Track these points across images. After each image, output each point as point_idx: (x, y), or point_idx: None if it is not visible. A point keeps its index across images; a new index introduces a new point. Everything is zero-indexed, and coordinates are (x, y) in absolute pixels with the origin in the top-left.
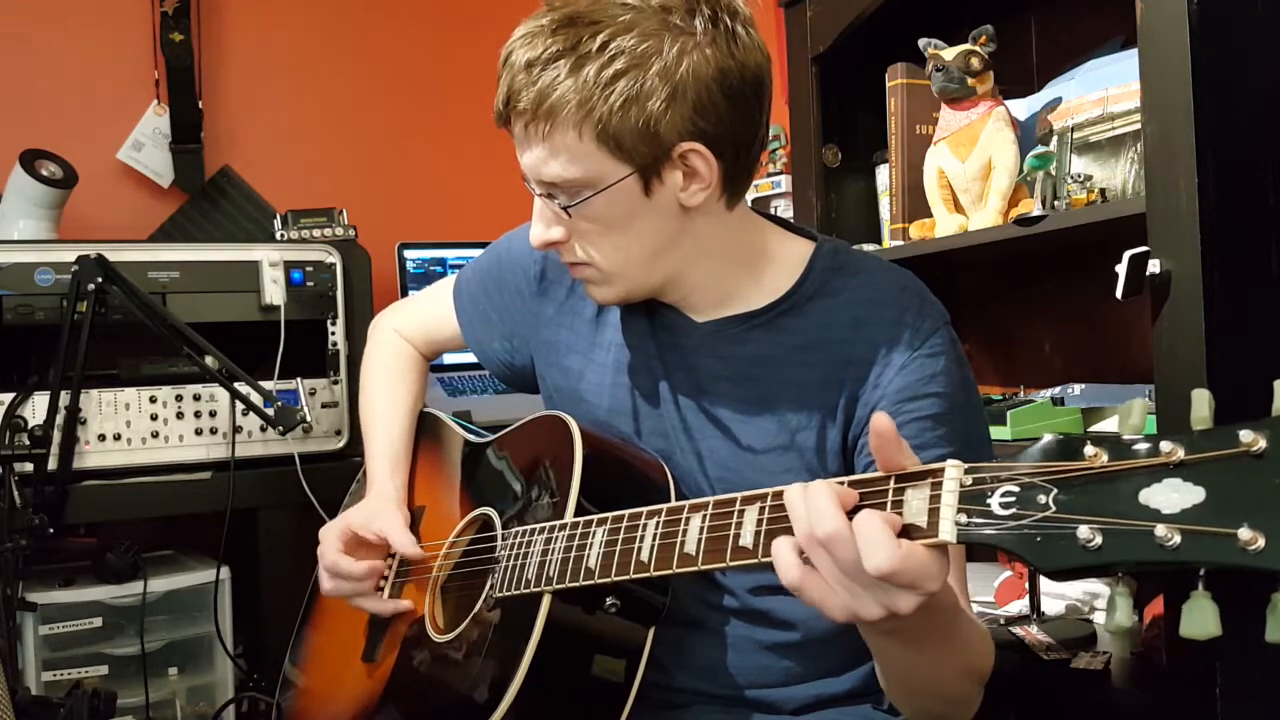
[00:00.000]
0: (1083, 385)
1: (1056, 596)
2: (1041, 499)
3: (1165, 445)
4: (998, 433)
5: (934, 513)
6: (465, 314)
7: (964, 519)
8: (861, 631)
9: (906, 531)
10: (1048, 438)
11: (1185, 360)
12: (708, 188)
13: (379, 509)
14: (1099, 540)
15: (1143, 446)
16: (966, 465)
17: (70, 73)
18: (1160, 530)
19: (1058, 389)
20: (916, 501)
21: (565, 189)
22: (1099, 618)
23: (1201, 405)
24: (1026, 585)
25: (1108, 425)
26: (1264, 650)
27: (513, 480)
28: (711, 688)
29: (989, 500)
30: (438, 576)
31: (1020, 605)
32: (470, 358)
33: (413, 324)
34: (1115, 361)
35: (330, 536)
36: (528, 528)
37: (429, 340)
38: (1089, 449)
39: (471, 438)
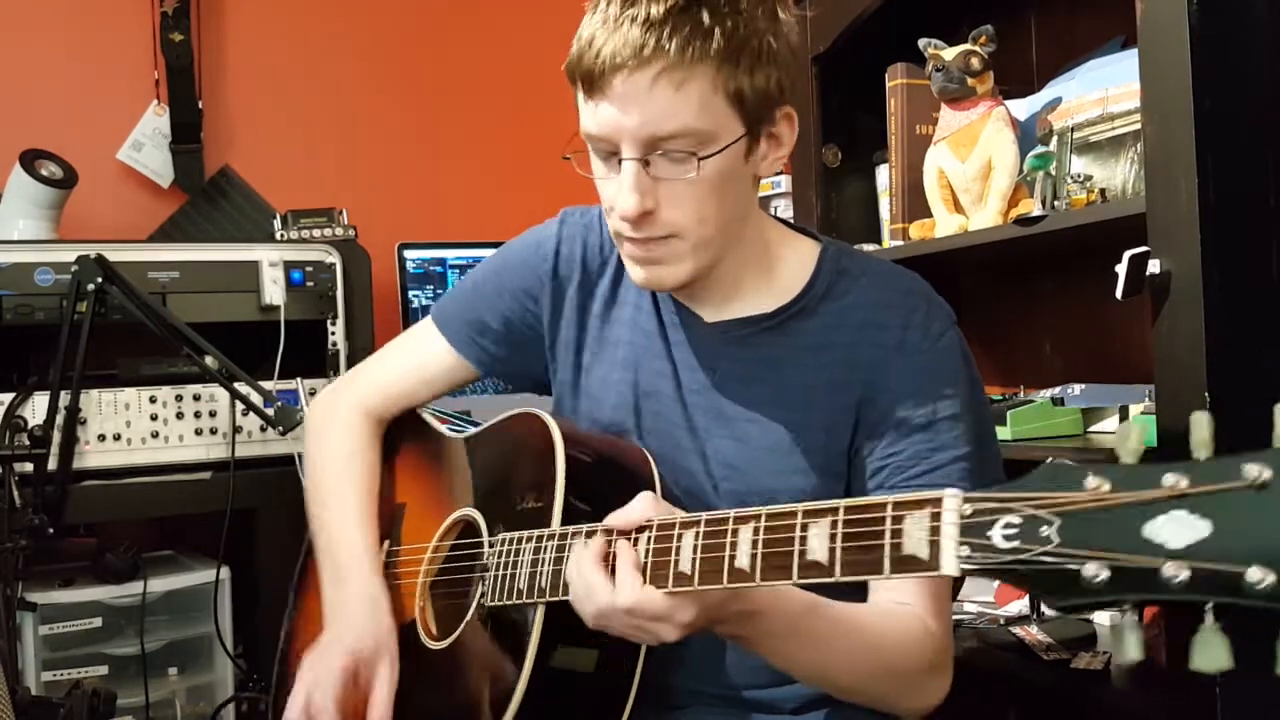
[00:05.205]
0: (1083, 385)
1: None
2: (1044, 531)
3: (1168, 478)
4: (998, 433)
5: (934, 545)
6: (457, 335)
7: (966, 551)
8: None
9: (905, 563)
10: (1047, 464)
11: (1185, 360)
12: (782, 156)
13: (372, 658)
14: (1105, 576)
15: (1145, 478)
16: (965, 495)
17: (70, 73)
18: (1168, 568)
19: (1058, 389)
20: (916, 531)
21: (691, 139)
22: (1099, 617)
23: (1201, 429)
24: None
25: (1107, 425)
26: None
27: (495, 482)
28: (710, 687)
29: (990, 532)
30: (425, 582)
31: (1020, 605)
32: None
33: (374, 388)
34: (1115, 361)
35: (326, 681)
36: (515, 535)
37: (400, 395)
38: (1090, 480)
39: (449, 433)
